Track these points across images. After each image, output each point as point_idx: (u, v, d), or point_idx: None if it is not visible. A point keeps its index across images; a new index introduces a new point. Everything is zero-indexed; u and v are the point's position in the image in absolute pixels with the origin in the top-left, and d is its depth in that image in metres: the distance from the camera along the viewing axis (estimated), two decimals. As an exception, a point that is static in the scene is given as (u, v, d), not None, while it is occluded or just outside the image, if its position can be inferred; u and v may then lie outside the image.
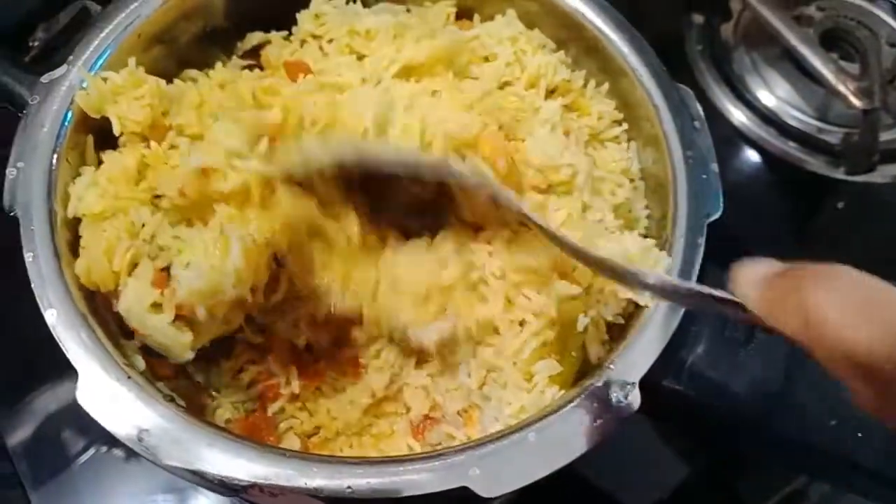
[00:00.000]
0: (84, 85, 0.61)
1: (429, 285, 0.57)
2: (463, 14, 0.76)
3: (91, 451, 0.83)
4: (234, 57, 0.72)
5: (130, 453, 0.84)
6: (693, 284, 0.50)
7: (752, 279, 0.39)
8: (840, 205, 1.01)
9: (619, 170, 0.68)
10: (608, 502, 0.81)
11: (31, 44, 0.76)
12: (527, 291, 0.60)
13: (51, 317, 0.53)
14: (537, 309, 0.59)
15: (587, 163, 0.64)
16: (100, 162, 0.62)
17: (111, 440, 0.83)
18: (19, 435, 0.83)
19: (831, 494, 0.84)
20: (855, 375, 0.33)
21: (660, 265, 0.59)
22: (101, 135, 0.64)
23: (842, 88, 0.96)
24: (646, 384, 0.55)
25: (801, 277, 0.36)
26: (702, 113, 0.67)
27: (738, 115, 1.02)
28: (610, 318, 0.59)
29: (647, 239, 0.62)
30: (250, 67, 0.71)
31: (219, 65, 0.71)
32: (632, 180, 0.69)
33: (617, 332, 0.60)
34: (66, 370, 0.52)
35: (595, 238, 0.59)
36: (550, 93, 0.69)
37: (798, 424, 0.63)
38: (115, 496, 0.82)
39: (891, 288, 0.33)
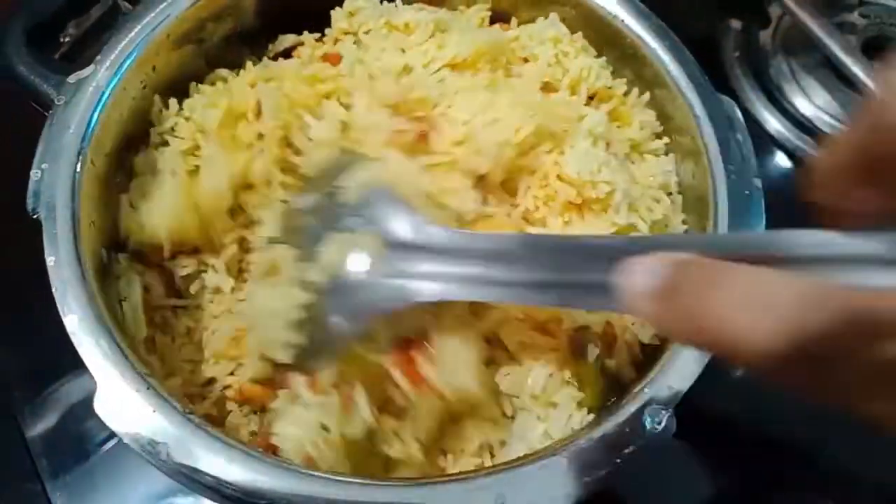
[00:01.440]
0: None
1: None
2: (497, 18, 0.74)
3: (110, 444, 0.83)
4: (266, 58, 0.71)
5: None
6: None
7: (638, 279, 0.36)
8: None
9: (658, 184, 0.65)
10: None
11: (62, 40, 0.75)
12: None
13: (71, 323, 0.52)
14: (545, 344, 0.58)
15: (625, 181, 0.62)
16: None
17: None
18: (38, 428, 0.83)
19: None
20: (775, 373, 0.31)
21: None
22: (127, 139, 0.64)
23: (884, 99, 0.93)
24: (680, 406, 0.53)
25: (683, 274, 0.34)
26: (745, 125, 0.65)
27: (774, 124, 1.00)
28: (646, 341, 0.57)
29: None
30: (283, 70, 0.69)
31: (249, 64, 0.69)
32: (669, 194, 0.66)
33: (652, 353, 0.58)
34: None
35: None
36: (590, 99, 0.67)
37: (840, 449, 0.61)
38: (134, 489, 0.81)
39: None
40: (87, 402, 0.83)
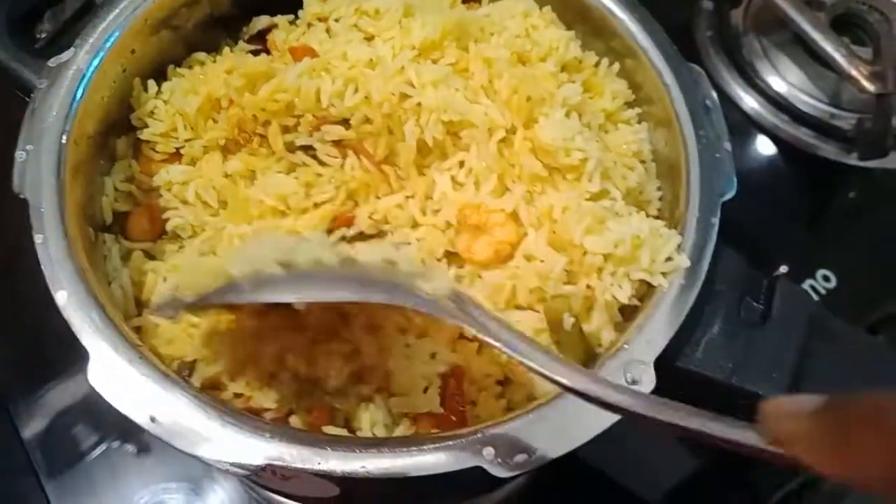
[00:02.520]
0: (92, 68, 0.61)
1: None
2: (469, -1, 0.75)
3: (104, 446, 0.84)
4: (241, 41, 0.72)
5: (143, 447, 0.85)
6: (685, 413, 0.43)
7: (793, 411, 0.35)
8: (852, 194, 1.00)
9: (631, 152, 0.67)
10: (619, 492, 0.81)
11: (38, 35, 0.76)
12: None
13: (61, 298, 0.53)
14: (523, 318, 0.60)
15: (598, 148, 0.63)
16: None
17: (124, 434, 0.84)
18: (34, 427, 0.84)
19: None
20: None
21: (671, 244, 0.58)
22: (109, 122, 0.65)
23: (854, 73, 0.95)
24: (660, 365, 0.55)
25: (846, 409, 0.32)
26: (713, 92, 0.67)
27: (748, 101, 1.02)
28: (625, 301, 0.59)
29: (656, 220, 0.62)
30: (256, 52, 0.70)
31: (226, 50, 0.70)
32: (643, 162, 0.68)
33: (630, 313, 0.59)
34: (80, 363, 0.52)
35: (603, 221, 0.59)
36: (561, 70, 0.68)
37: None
38: (128, 488, 0.83)
39: None
40: (81, 403, 0.84)
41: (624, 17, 0.69)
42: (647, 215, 0.64)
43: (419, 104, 0.62)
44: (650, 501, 0.81)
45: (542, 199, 0.62)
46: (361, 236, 0.63)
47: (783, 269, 0.83)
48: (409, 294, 0.49)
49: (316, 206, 0.63)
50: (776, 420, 0.35)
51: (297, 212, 0.63)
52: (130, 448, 0.85)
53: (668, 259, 0.58)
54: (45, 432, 0.85)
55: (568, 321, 0.58)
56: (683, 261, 0.58)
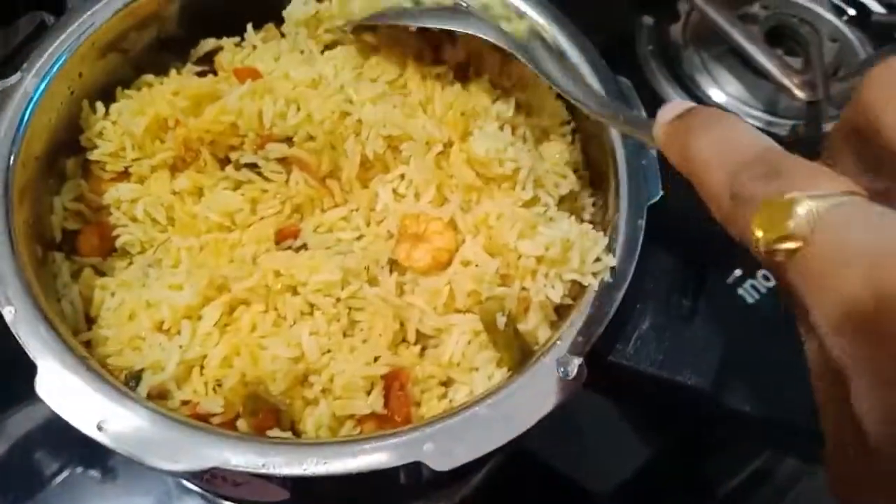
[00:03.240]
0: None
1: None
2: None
3: (66, 472, 0.83)
4: (189, 63, 0.74)
5: (106, 473, 0.86)
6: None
7: (668, 115, 0.43)
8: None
9: (564, 161, 0.70)
10: (572, 486, 0.83)
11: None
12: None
13: (9, 314, 0.54)
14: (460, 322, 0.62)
15: (530, 158, 0.66)
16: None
17: (87, 460, 0.84)
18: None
19: (799, 471, 0.86)
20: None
21: (598, 246, 0.61)
22: (58, 144, 0.66)
23: (786, 82, 0.99)
24: (592, 360, 0.57)
25: (693, 117, 0.41)
26: (640, 103, 0.70)
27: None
28: (557, 301, 0.61)
29: (586, 223, 0.65)
30: (203, 73, 0.73)
31: (173, 72, 0.72)
32: (577, 170, 0.71)
33: (565, 312, 0.62)
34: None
35: (534, 226, 0.62)
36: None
37: (751, 395, 0.65)
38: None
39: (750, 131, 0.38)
40: (41, 430, 0.84)
41: (557, 35, 0.72)
42: (581, 220, 0.67)
43: (359, 120, 0.65)
44: (602, 494, 0.83)
45: (478, 208, 0.64)
46: (306, 248, 0.65)
47: (737, 272, 0.86)
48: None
49: (262, 219, 0.65)
50: (658, 122, 0.44)
51: (244, 227, 0.65)
52: (94, 473, 0.84)
53: (597, 260, 0.61)
54: (6, 460, 0.84)
55: (501, 321, 0.60)
56: (611, 260, 0.61)
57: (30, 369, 0.53)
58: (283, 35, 0.75)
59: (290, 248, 0.65)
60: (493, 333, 0.60)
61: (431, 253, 0.63)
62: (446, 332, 0.62)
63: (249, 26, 0.75)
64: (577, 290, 0.62)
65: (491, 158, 0.63)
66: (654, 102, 0.71)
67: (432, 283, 0.62)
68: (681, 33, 1.15)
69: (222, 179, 0.67)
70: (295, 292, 0.61)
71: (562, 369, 0.56)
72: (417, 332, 0.62)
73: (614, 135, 0.68)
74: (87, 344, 0.59)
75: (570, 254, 0.60)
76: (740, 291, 0.70)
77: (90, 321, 0.63)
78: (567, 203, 0.69)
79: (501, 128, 0.67)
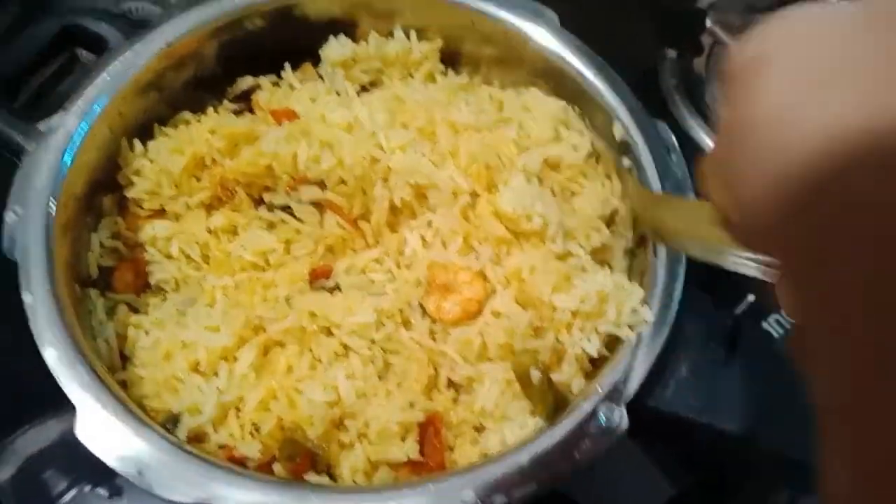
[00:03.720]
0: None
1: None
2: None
3: (75, 490, 0.83)
4: (226, 101, 0.74)
5: (114, 491, 0.85)
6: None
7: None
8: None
9: (597, 215, 0.69)
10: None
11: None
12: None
13: (50, 356, 0.54)
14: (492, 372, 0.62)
15: (558, 213, 0.66)
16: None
17: (96, 478, 0.84)
18: (4, 473, 0.83)
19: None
20: None
21: (634, 297, 0.61)
22: (96, 181, 0.67)
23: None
24: (631, 406, 0.57)
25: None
26: (677, 145, 0.70)
27: (711, 145, 1.05)
28: (594, 355, 0.61)
29: (619, 275, 0.65)
30: (240, 111, 0.73)
31: (210, 110, 0.73)
32: (611, 223, 0.70)
33: (600, 361, 0.61)
34: (52, 407, 0.53)
35: (569, 278, 0.62)
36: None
37: (783, 440, 0.64)
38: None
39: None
40: (51, 448, 0.84)
41: (592, 78, 0.72)
42: (612, 269, 0.67)
43: (388, 167, 0.65)
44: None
45: (509, 260, 0.64)
46: (339, 289, 0.65)
47: (750, 298, 0.86)
48: None
49: (295, 259, 0.65)
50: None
51: (277, 266, 0.65)
52: (102, 492, 0.84)
53: (633, 311, 0.61)
54: (16, 478, 0.84)
55: (535, 375, 0.60)
56: (647, 315, 0.60)
57: (41, 388, 0.54)
58: (320, 76, 0.76)
59: (323, 288, 0.65)
60: (527, 386, 0.60)
61: (461, 304, 0.63)
62: (478, 381, 0.62)
63: (287, 66, 0.75)
64: (613, 340, 0.62)
65: (519, 215, 0.63)
66: (677, 135, 0.72)
67: (463, 332, 0.62)
68: (704, 66, 1.15)
69: (256, 219, 0.67)
70: (330, 333, 0.62)
71: (604, 418, 0.56)
72: (449, 379, 0.62)
73: (651, 175, 0.67)
74: (123, 384, 0.59)
75: (606, 306, 0.60)
76: (780, 330, 0.69)
77: (123, 358, 0.63)
78: (599, 254, 0.68)
79: (529, 179, 0.67)
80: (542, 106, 0.72)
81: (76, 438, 0.52)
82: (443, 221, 0.65)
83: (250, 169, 0.65)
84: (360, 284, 0.65)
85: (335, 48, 0.74)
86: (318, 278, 0.65)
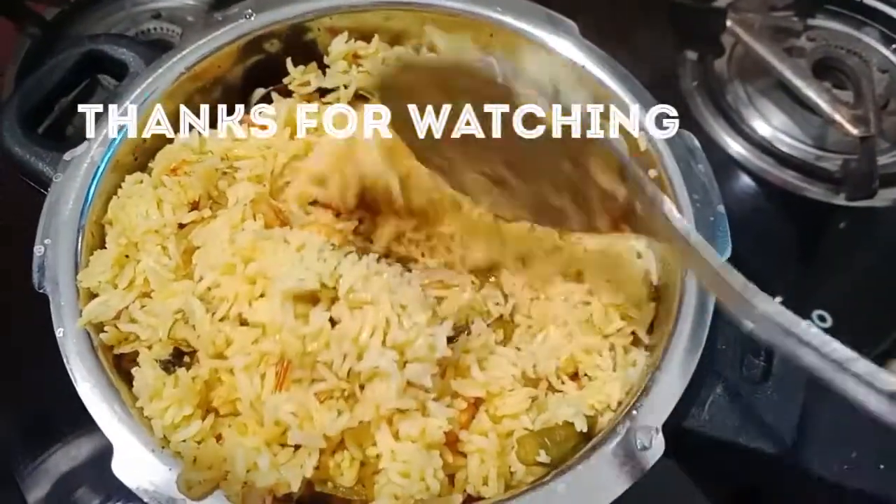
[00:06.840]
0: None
1: None
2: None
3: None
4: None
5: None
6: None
7: None
8: (841, 234, 1.02)
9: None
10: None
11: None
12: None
13: (83, 391, 0.54)
14: None
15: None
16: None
17: (126, 496, 0.84)
18: (38, 492, 0.84)
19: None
20: None
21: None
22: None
23: (837, 117, 0.98)
24: (668, 426, 0.56)
25: None
26: (704, 156, 0.69)
27: (735, 147, 1.04)
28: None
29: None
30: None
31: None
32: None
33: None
34: (82, 427, 0.52)
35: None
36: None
37: (819, 458, 0.64)
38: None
39: None
40: (82, 467, 0.84)
41: (618, 92, 0.71)
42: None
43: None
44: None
45: None
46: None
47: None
48: None
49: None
50: None
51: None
52: None
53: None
54: (49, 496, 0.85)
55: (544, 458, 0.58)
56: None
57: (70, 408, 0.54)
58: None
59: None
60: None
61: None
62: None
63: (290, 65, 0.75)
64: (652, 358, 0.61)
65: None
66: (699, 137, 0.71)
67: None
68: (725, 67, 1.14)
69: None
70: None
71: (640, 441, 0.55)
72: None
73: (679, 187, 0.67)
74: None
75: None
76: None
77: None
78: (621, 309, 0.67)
79: None
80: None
81: (105, 456, 0.53)
82: None
83: None
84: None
85: (340, 42, 0.74)
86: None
